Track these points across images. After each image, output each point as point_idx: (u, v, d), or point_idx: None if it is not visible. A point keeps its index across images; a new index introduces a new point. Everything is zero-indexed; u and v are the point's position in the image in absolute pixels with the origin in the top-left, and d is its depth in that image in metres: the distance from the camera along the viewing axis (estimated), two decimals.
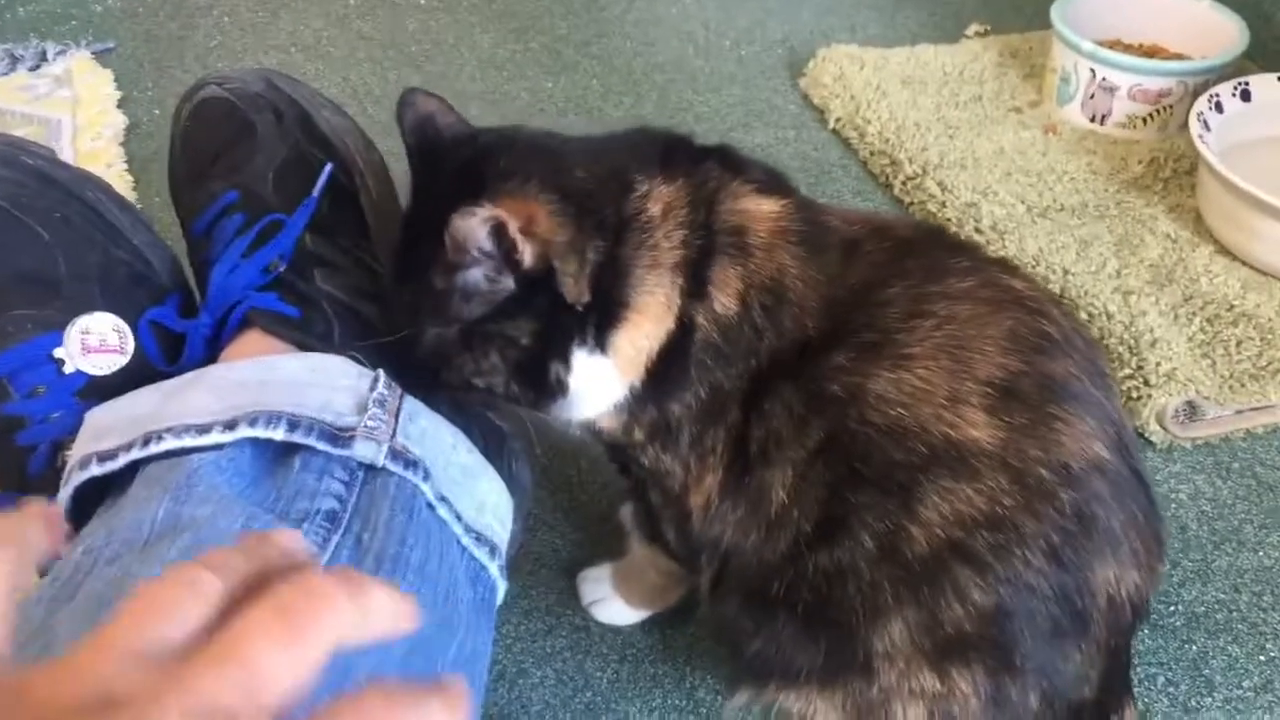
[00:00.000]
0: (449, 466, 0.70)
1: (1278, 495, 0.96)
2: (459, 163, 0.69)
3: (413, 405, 0.70)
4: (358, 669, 0.55)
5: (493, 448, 0.78)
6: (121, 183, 1.24)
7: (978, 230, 1.17)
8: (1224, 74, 1.28)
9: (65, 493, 0.66)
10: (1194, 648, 0.85)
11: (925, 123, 1.33)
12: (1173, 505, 0.95)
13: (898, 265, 0.66)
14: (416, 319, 0.68)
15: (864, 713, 0.66)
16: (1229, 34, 1.33)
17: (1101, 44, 1.32)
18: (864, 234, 0.68)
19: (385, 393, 0.68)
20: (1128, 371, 1.00)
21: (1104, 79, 1.31)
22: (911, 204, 1.25)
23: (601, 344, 0.66)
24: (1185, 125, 1.24)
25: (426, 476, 0.67)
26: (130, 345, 0.73)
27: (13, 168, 0.76)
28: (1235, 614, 0.87)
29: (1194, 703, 0.81)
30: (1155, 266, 1.13)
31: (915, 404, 0.62)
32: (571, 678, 0.83)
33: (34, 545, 0.39)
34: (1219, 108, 1.21)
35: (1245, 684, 0.83)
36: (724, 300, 0.66)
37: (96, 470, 0.65)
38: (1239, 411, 1.01)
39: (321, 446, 0.64)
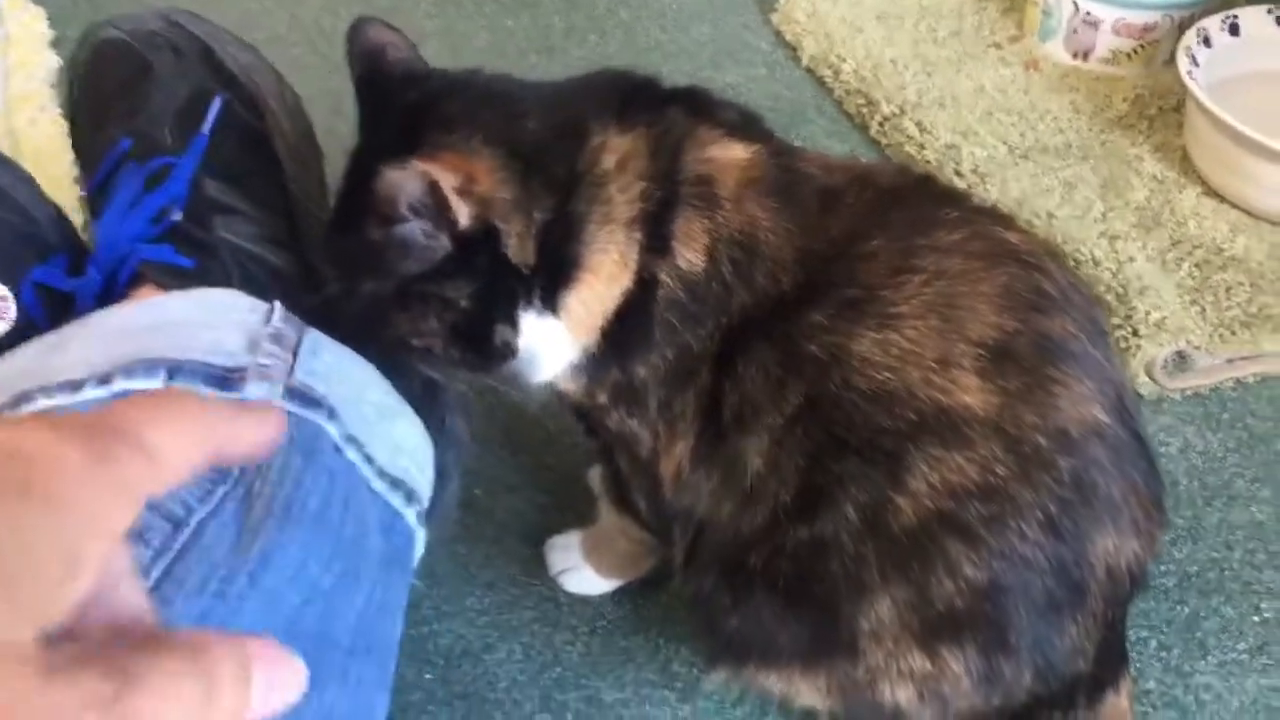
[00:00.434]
0: (360, 405, 0.64)
1: (1270, 447, 0.93)
2: (404, 106, 0.64)
3: (316, 339, 0.64)
4: (246, 624, 0.51)
5: (425, 397, 0.73)
6: (55, 128, 1.16)
7: (958, 173, 1.12)
8: (1210, 7, 1.23)
9: None
10: (1186, 609, 0.82)
11: (902, 60, 1.27)
12: (1162, 459, 0.91)
13: (881, 216, 0.62)
14: (352, 271, 0.63)
15: (849, 694, 0.63)
16: None
17: None
18: (844, 183, 0.64)
19: (281, 326, 0.63)
20: (1115, 321, 0.96)
21: (1087, 13, 1.25)
22: (889, 145, 1.20)
23: (551, 305, 0.62)
24: (1171, 61, 1.19)
25: (332, 416, 0.61)
26: (12, 310, 0.67)
27: None
28: (1228, 572, 0.84)
29: (1187, 667, 0.79)
30: (1141, 209, 1.09)
31: (902, 367, 0.57)
32: (539, 652, 0.79)
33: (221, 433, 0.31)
34: (1207, 42, 1.17)
35: (1240, 646, 0.80)
36: (689, 256, 0.61)
37: None
38: (1229, 361, 0.98)
39: (208, 392, 0.59)
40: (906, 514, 0.58)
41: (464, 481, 0.86)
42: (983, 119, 1.20)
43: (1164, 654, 0.79)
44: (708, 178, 0.62)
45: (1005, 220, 0.64)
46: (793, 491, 0.61)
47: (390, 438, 0.66)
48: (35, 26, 1.32)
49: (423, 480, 0.68)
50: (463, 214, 0.59)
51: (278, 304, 0.64)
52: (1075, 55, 1.29)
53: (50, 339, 0.63)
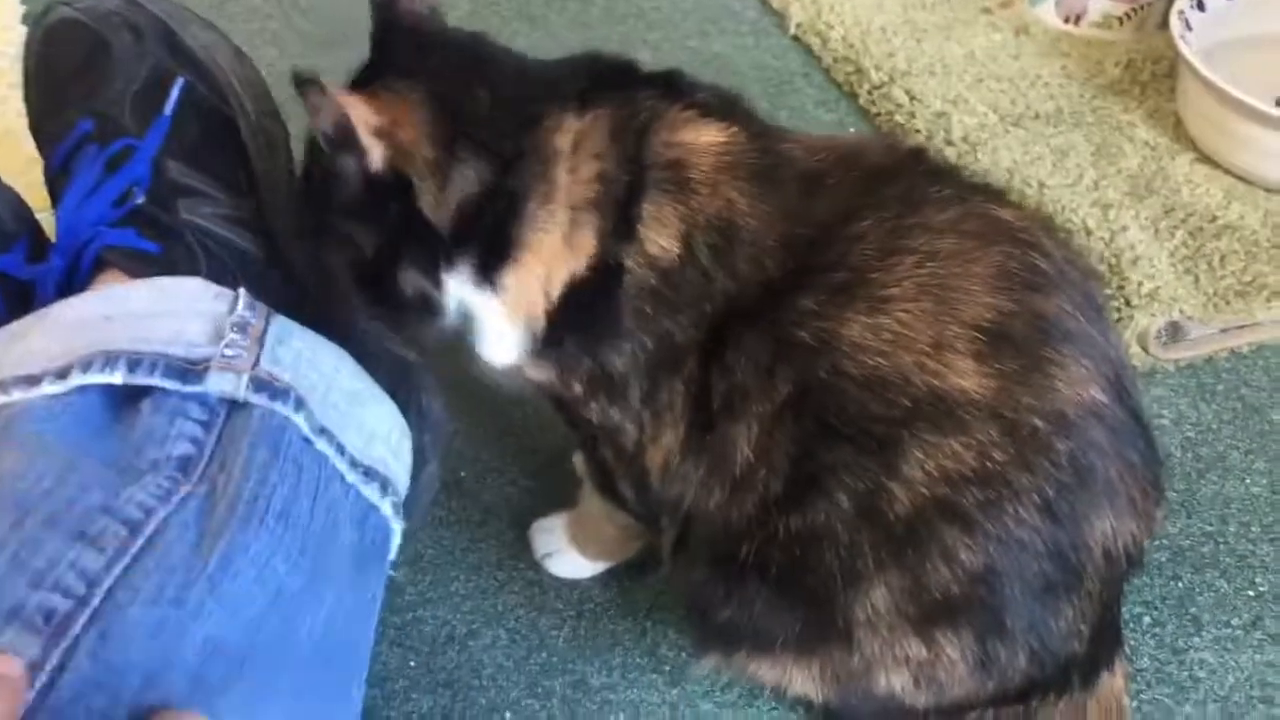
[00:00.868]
0: (330, 393, 0.63)
1: (1264, 418, 0.92)
2: (394, 55, 0.63)
3: (283, 327, 0.63)
4: (206, 630, 0.50)
5: (397, 380, 0.71)
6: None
7: (948, 142, 1.10)
8: None
9: None
10: (1180, 584, 0.81)
11: (891, 26, 1.25)
12: (1156, 432, 0.89)
13: (870, 195, 0.60)
14: (308, 197, 0.64)
15: (844, 682, 0.62)
16: None
17: None
18: (829, 163, 0.62)
19: (247, 314, 0.61)
20: (1108, 292, 0.95)
21: None
22: (878, 114, 1.18)
23: (489, 281, 0.61)
24: (1163, 24, 1.17)
25: (300, 406, 0.60)
26: None
27: None
28: (1223, 546, 0.83)
29: (1181, 643, 0.78)
30: (1134, 177, 1.07)
31: (895, 351, 0.56)
32: (525, 637, 0.78)
33: None
34: (1200, 5, 1.14)
35: (1234, 621, 0.79)
36: (661, 242, 0.60)
37: None
38: (1223, 330, 0.96)
39: (170, 385, 0.57)
40: (902, 501, 0.56)
41: (448, 465, 0.85)
42: (973, 86, 1.18)
43: (1158, 630, 0.78)
44: (679, 161, 0.60)
45: (998, 196, 0.63)
46: (783, 481, 0.59)
47: (363, 426, 0.64)
48: (5, 2, 1.29)
49: (399, 469, 0.67)
50: (375, 154, 0.58)
51: (243, 292, 0.62)
52: (1067, 20, 1.27)
53: (12, 329, 0.62)
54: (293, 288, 0.69)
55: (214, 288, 0.63)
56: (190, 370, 0.58)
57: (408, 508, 0.70)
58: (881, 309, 0.56)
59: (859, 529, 0.57)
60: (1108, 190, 1.05)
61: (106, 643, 0.47)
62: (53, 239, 0.70)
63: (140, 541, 0.50)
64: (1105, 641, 0.64)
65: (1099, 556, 0.58)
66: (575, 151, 0.60)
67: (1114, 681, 0.66)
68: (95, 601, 0.48)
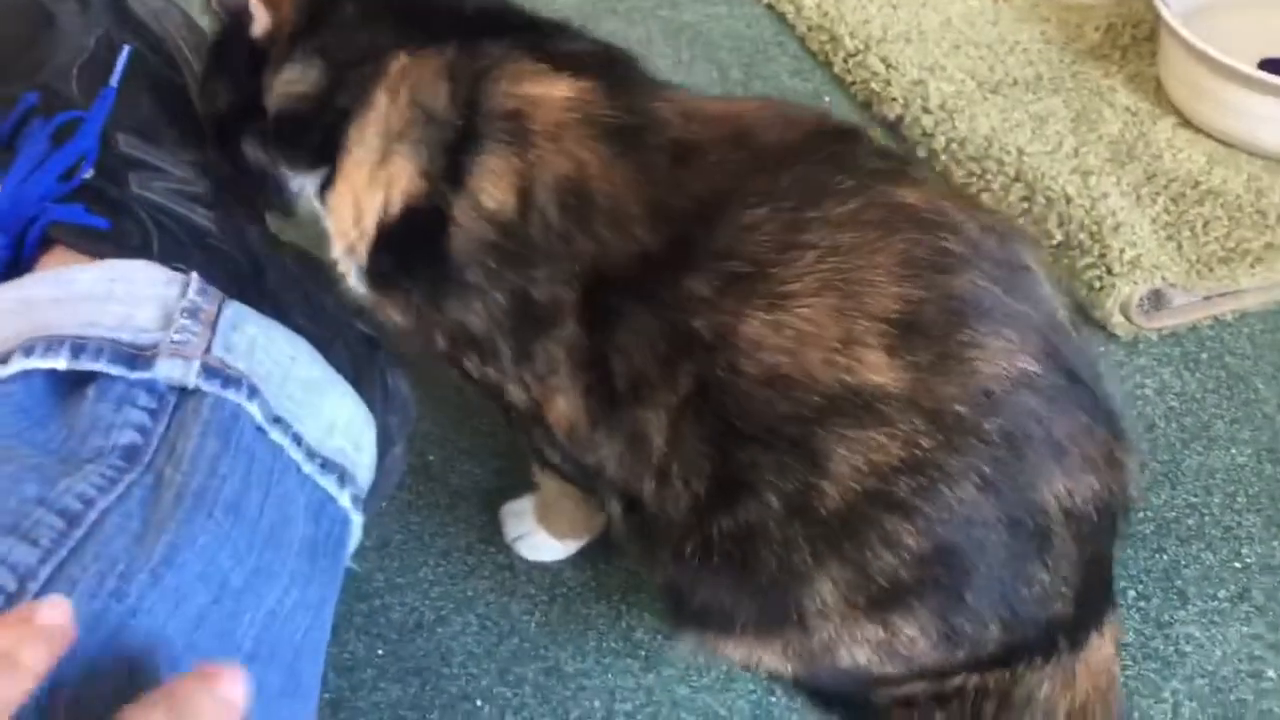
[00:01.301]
0: (286, 382, 0.60)
1: (1249, 387, 0.90)
2: None
3: (237, 312, 0.60)
4: (147, 624, 0.48)
5: (361, 358, 0.69)
6: None
7: (925, 110, 1.08)
8: None
9: None
10: (1165, 557, 0.79)
11: None
12: (1139, 402, 0.89)
13: (765, 181, 0.57)
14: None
15: (807, 660, 0.61)
16: None
17: None
18: (710, 137, 0.60)
19: (198, 299, 0.59)
20: (1089, 260, 0.93)
21: None
22: (854, 83, 1.16)
23: (321, 199, 0.66)
24: None
25: (253, 395, 0.57)
26: None
27: None
28: (1208, 518, 0.82)
29: (1167, 617, 0.76)
30: (1115, 143, 1.05)
31: (800, 349, 0.54)
32: (496, 623, 0.75)
33: (29, 668, 0.37)
34: None
35: (1220, 594, 0.77)
36: (495, 194, 0.59)
37: None
38: (1207, 298, 0.95)
39: (117, 371, 0.55)
40: (833, 497, 0.55)
41: (416, 448, 0.82)
42: (950, 53, 1.15)
43: (1143, 604, 0.77)
44: (518, 113, 0.59)
45: (905, 177, 0.59)
46: (705, 481, 0.58)
47: (321, 415, 0.61)
48: None
49: (360, 459, 0.64)
50: (260, 18, 0.64)
51: (195, 276, 0.60)
52: None
53: None
54: (248, 262, 0.66)
55: (166, 271, 0.60)
56: (138, 356, 0.55)
57: (374, 491, 0.68)
58: (782, 306, 0.54)
59: (794, 527, 0.56)
60: (1088, 157, 1.03)
61: None
62: None
63: (79, 534, 0.48)
64: (1092, 601, 0.62)
65: (1059, 517, 0.56)
66: (401, 80, 0.61)
67: (1103, 644, 0.64)
68: (27, 597, 0.45)
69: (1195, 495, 0.83)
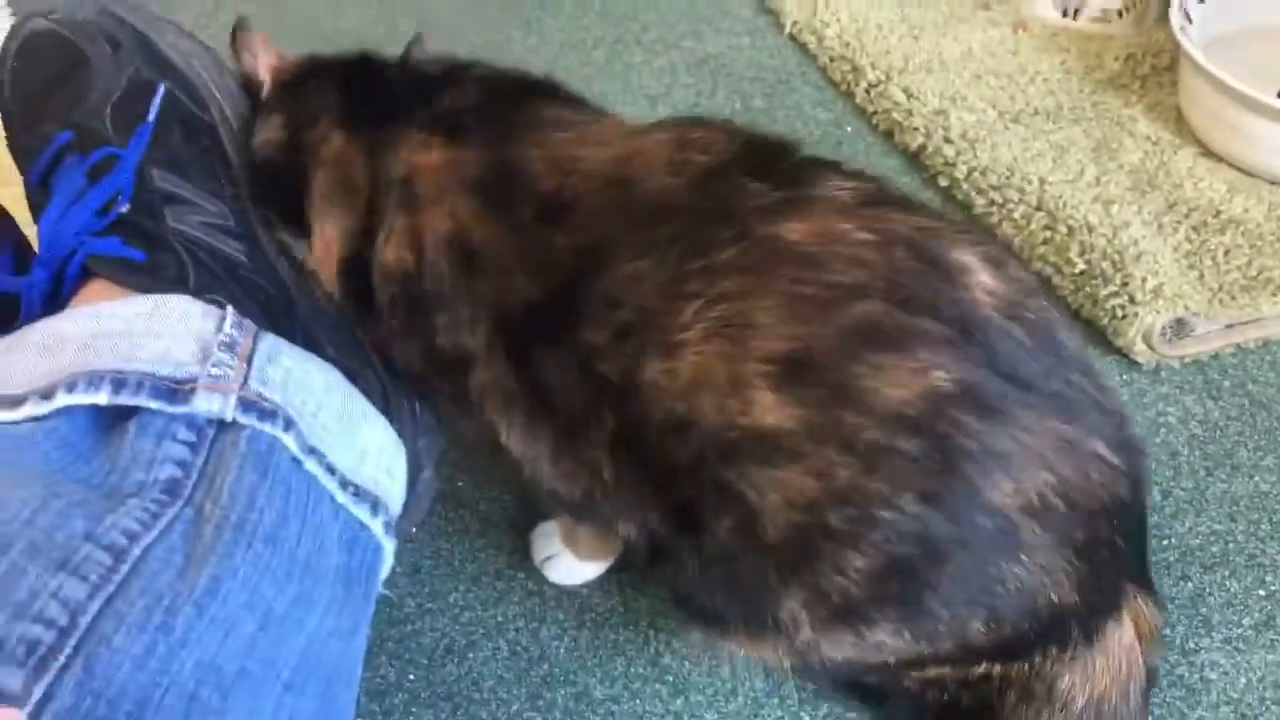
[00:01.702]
0: (320, 412, 0.62)
1: (1272, 414, 0.90)
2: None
3: (272, 345, 0.62)
4: (197, 655, 0.49)
5: (390, 385, 0.71)
6: None
7: (947, 139, 1.09)
8: None
9: None
10: (1190, 584, 0.80)
11: (888, 24, 1.24)
12: (1162, 430, 0.90)
13: (644, 235, 0.58)
14: None
15: (798, 657, 0.63)
16: None
17: None
18: (584, 189, 0.61)
19: (234, 333, 0.61)
20: (1112, 289, 0.94)
21: None
22: (875, 112, 1.17)
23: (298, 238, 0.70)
24: (1163, 17, 1.16)
25: (289, 426, 0.59)
26: None
27: None
28: (1232, 545, 0.82)
29: (1191, 644, 0.76)
30: (1136, 172, 1.06)
31: (695, 394, 0.56)
32: (526, 648, 0.76)
33: None
34: None
35: (1245, 621, 0.78)
36: (396, 251, 0.63)
37: None
38: (1229, 326, 0.95)
39: (157, 405, 0.56)
40: (773, 529, 0.56)
41: (446, 473, 0.84)
42: (971, 83, 1.17)
43: (1168, 632, 0.77)
44: (407, 179, 0.64)
45: (798, 207, 0.58)
46: (661, 512, 0.60)
47: (354, 445, 0.63)
48: None
49: (393, 487, 0.66)
50: (261, 69, 0.72)
51: (231, 310, 0.61)
52: (1065, 14, 1.26)
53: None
54: (279, 293, 0.68)
55: (201, 305, 0.62)
56: (177, 391, 0.57)
57: (405, 516, 0.69)
58: (673, 354, 0.56)
59: (749, 553, 0.58)
60: (1109, 186, 1.04)
61: (92, 673, 0.46)
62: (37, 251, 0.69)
63: (125, 568, 0.49)
64: (1103, 590, 0.62)
65: (1022, 510, 0.56)
66: (335, 156, 0.67)
67: (1122, 633, 0.64)
68: (79, 631, 0.47)
69: (1219, 523, 0.83)
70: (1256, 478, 0.86)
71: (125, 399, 0.56)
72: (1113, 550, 0.61)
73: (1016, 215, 1.01)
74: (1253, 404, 0.91)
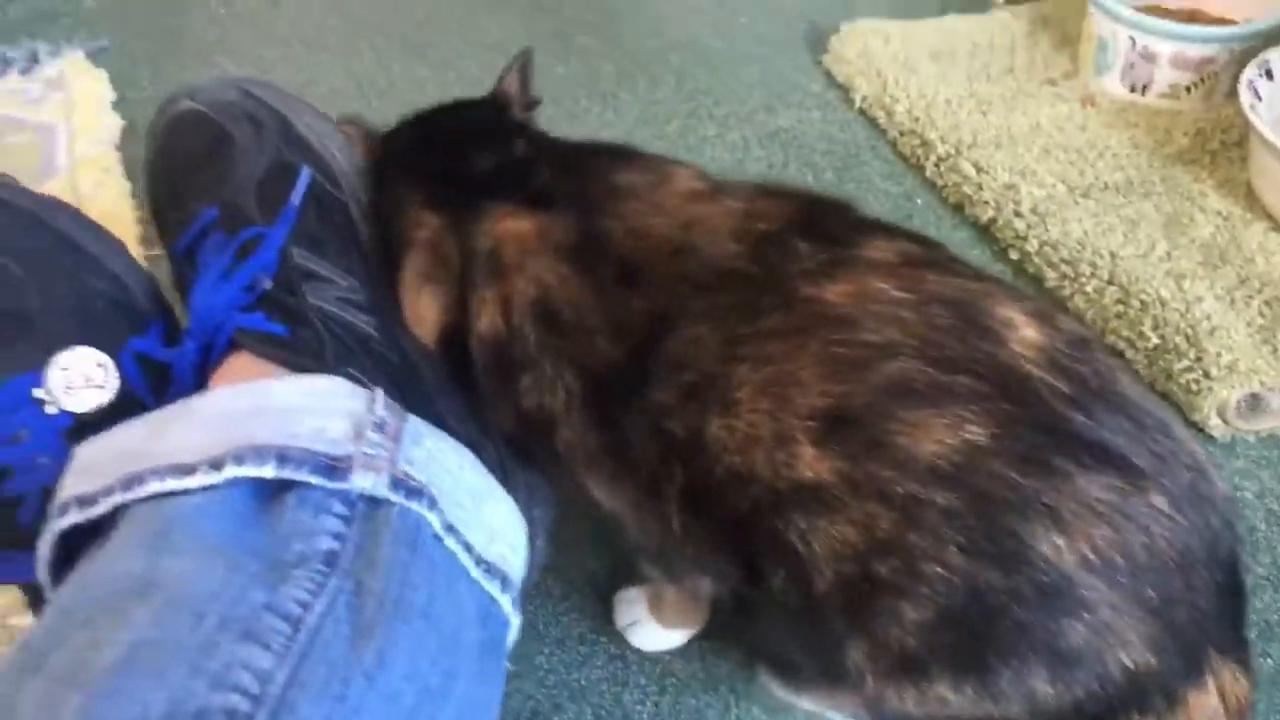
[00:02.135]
0: (457, 491, 0.65)
1: None
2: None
3: (416, 426, 0.65)
4: None
5: (507, 456, 0.73)
6: (119, 188, 1.19)
7: (1017, 213, 1.11)
8: (1271, 38, 1.21)
9: (44, 542, 0.61)
10: (1271, 661, 0.80)
11: (956, 99, 1.27)
12: (1238, 505, 0.90)
13: (705, 301, 0.63)
14: None
15: (870, 708, 0.64)
16: None
17: (1139, 9, 1.25)
18: (654, 255, 0.65)
19: (385, 414, 0.64)
20: (1186, 364, 0.95)
21: (1144, 47, 1.24)
22: (945, 186, 1.19)
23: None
24: (1230, 93, 1.18)
25: (433, 505, 0.62)
26: (115, 380, 0.68)
27: None
28: None
29: None
30: (1207, 246, 1.07)
31: (747, 449, 0.59)
32: (609, 712, 0.78)
33: None
34: (1269, 74, 1.15)
35: None
36: (488, 320, 0.67)
37: (76, 517, 0.60)
38: None
39: (316, 480, 0.59)
40: (823, 579, 0.58)
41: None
42: (1040, 157, 1.19)
43: None
44: (494, 250, 0.68)
45: (842, 269, 0.61)
46: (726, 565, 0.63)
47: (486, 523, 0.66)
48: (97, 89, 1.35)
49: (517, 563, 0.68)
50: (357, 150, 0.80)
51: (380, 391, 0.65)
52: (1133, 89, 1.27)
53: (155, 417, 0.64)
54: (405, 365, 0.71)
55: (348, 385, 0.65)
56: (335, 467, 0.60)
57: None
58: (730, 411, 0.59)
59: (806, 604, 0.59)
60: (1180, 260, 1.05)
61: None
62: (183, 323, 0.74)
63: (302, 637, 0.52)
64: (1183, 653, 0.59)
65: (1076, 567, 0.55)
66: (429, 238, 0.72)
67: (1204, 700, 0.61)
68: (270, 701, 0.49)
69: None
70: None
71: (289, 473, 0.59)
72: (1193, 611, 0.59)
73: (1089, 289, 1.03)
74: None
